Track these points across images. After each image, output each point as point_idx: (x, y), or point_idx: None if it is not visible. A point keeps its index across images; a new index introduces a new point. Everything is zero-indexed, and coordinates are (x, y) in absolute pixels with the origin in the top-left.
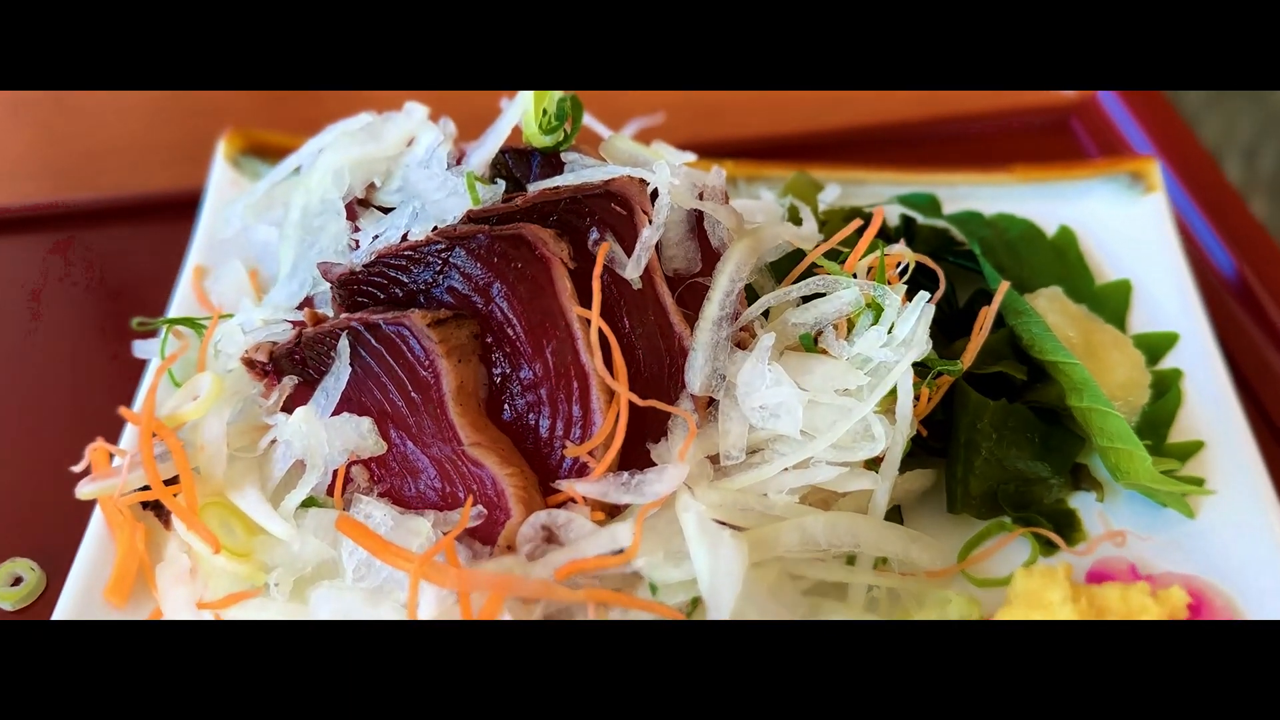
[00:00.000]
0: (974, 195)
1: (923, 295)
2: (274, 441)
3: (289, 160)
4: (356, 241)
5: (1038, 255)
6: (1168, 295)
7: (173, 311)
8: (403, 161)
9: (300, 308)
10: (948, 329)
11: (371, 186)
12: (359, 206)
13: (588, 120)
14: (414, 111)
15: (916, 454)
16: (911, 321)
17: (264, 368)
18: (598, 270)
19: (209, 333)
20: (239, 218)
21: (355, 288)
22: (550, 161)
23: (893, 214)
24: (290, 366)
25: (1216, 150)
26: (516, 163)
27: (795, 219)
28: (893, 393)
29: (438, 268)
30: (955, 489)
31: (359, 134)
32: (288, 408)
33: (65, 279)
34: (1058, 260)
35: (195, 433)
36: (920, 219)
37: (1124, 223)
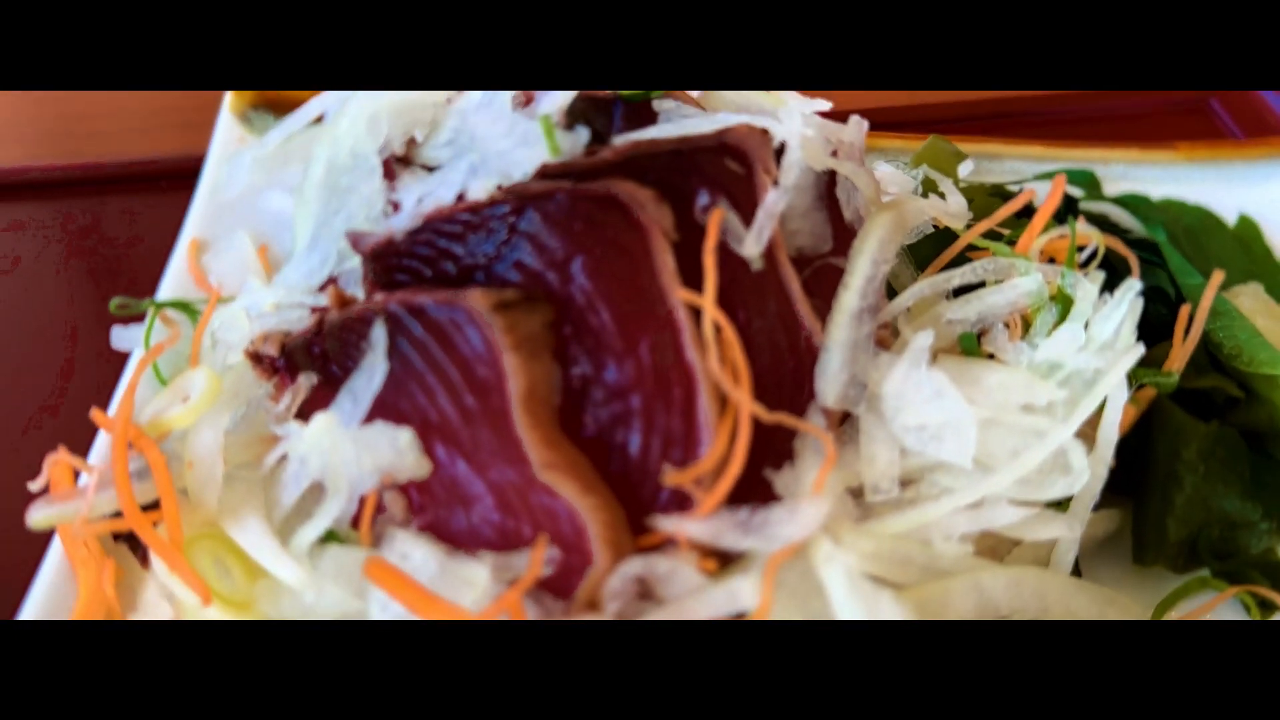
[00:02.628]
0: (1131, 176)
1: (1131, 283)
2: (284, 458)
3: (310, 105)
4: (395, 205)
5: (1222, 248)
6: None
7: (163, 292)
8: (453, 110)
9: (322, 289)
10: None
11: (413, 142)
12: (398, 165)
13: None
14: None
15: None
16: (1117, 318)
17: (274, 363)
18: (710, 243)
19: (204, 319)
20: (245, 174)
21: (394, 262)
22: (639, 114)
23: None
24: (308, 362)
25: None
26: (595, 113)
27: (934, 193)
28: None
29: (503, 236)
30: (1147, 534)
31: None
32: (303, 415)
33: (51, 255)
34: (1243, 254)
35: (184, 444)
36: (1077, 199)
37: None
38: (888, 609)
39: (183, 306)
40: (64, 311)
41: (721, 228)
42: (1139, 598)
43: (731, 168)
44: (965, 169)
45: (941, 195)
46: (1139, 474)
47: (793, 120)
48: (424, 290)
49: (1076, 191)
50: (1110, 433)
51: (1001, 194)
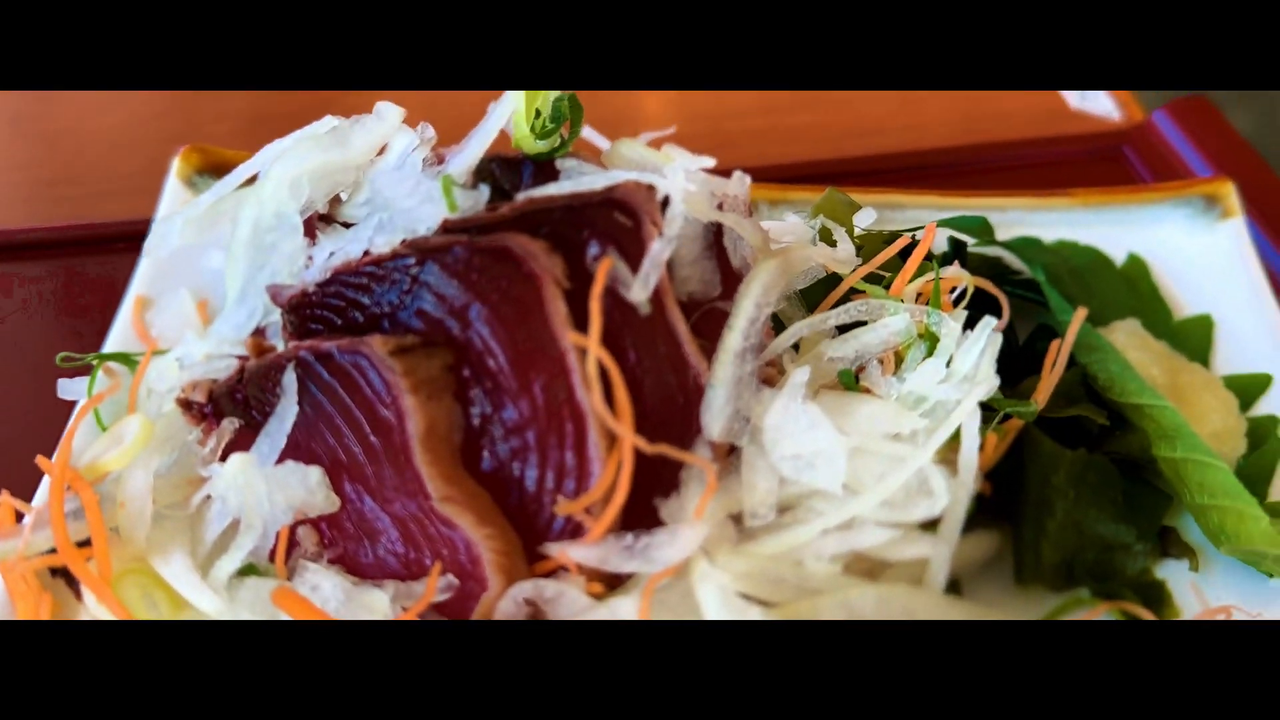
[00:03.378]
0: (1027, 221)
1: (988, 321)
2: (209, 497)
3: (240, 169)
4: (312, 259)
5: (1108, 286)
6: (1255, 332)
7: (109, 346)
8: (372, 169)
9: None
10: (1008, 370)
11: (336, 200)
12: (321, 223)
13: (590, 134)
14: (386, 114)
15: (977, 515)
16: (975, 353)
17: (201, 409)
18: (597, 289)
19: (141, 369)
20: (177, 234)
21: (308, 313)
22: (544, 171)
23: (938, 242)
24: (232, 408)
25: None
26: (505, 172)
27: (828, 242)
28: (953, 440)
29: (405, 286)
30: (1025, 556)
31: (322, 139)
32: (228, 457)
33: (11, 314)
34: (1130, 292)
35: (118, 486)
36: (971, 244)
37: (1200, 251)
38: None
39: (123, 358)
40: (19, 365)
41: (610, 276)
42: (1018, 615)
43: (620, 220)
44: (868, 218)
45: (833, 244)
46: (1014, 500)
47: (677, 177)
48: (332, 338)
49: (970, 238)
50: (969, 458)
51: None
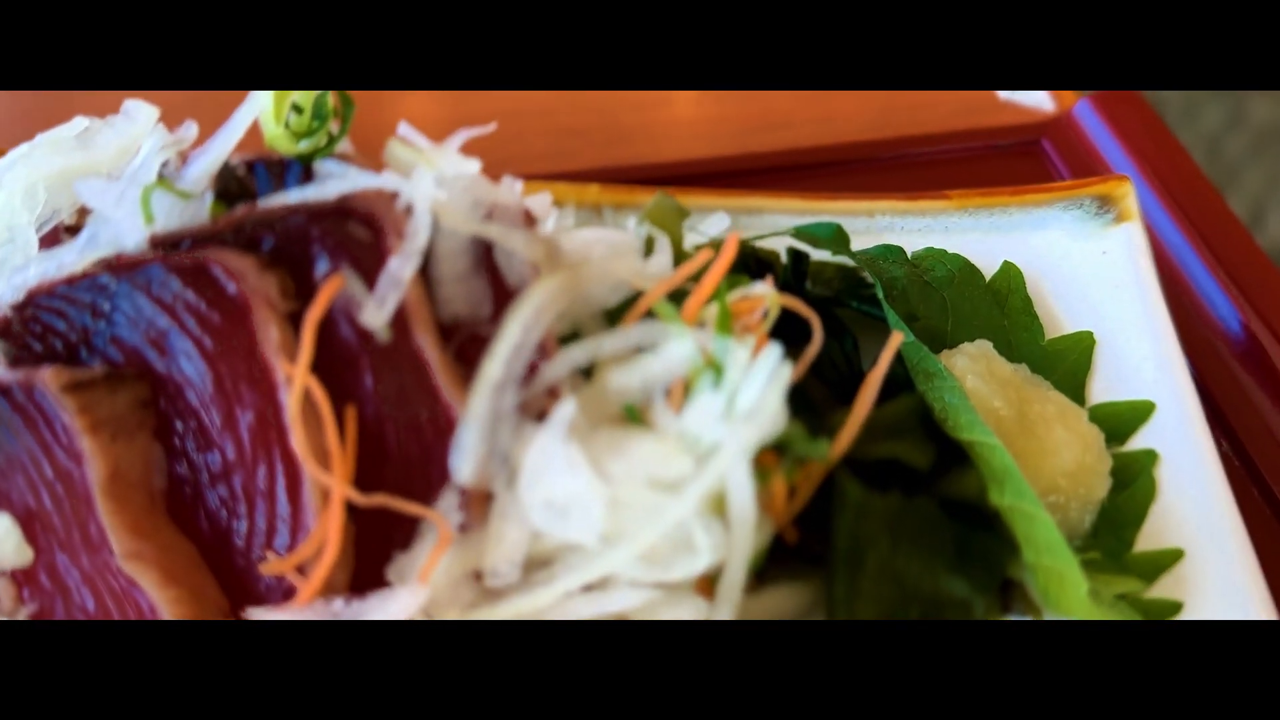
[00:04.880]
0: (897, 227)
1: (772, 348)
2: None
3: None
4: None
5: (967, 301)
6: (1141, 352)
7: None
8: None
9: None
10: (848, 397)
11: (86, 211)
12: (66, 234)
13: (407, 131)
14: (137, 113)
15: (789, 563)
16: (757, 385)
17: None
18: (315, 312)
19: None
20: None
21: (16, 340)
22: (310, 175)
23: (781, 249)
24: None
25: (1258, 203)
26: (270, 176)
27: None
28: None
29: (101, 309)
30: (837, 613)
31: (66, 142)
32: None
33: None
34: (995, 307)
35: None
36: (821, 256)
37: (1088, 260)
38: None
39: None
40: None
41: (342, 297)
42: None
43: (356, 232)
44: (718, 224)
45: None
46: (825, 552)
47: (423, 182)
48: (18, 369)
49: (812, 250)
50: (743, 508)
51: (743, 252)
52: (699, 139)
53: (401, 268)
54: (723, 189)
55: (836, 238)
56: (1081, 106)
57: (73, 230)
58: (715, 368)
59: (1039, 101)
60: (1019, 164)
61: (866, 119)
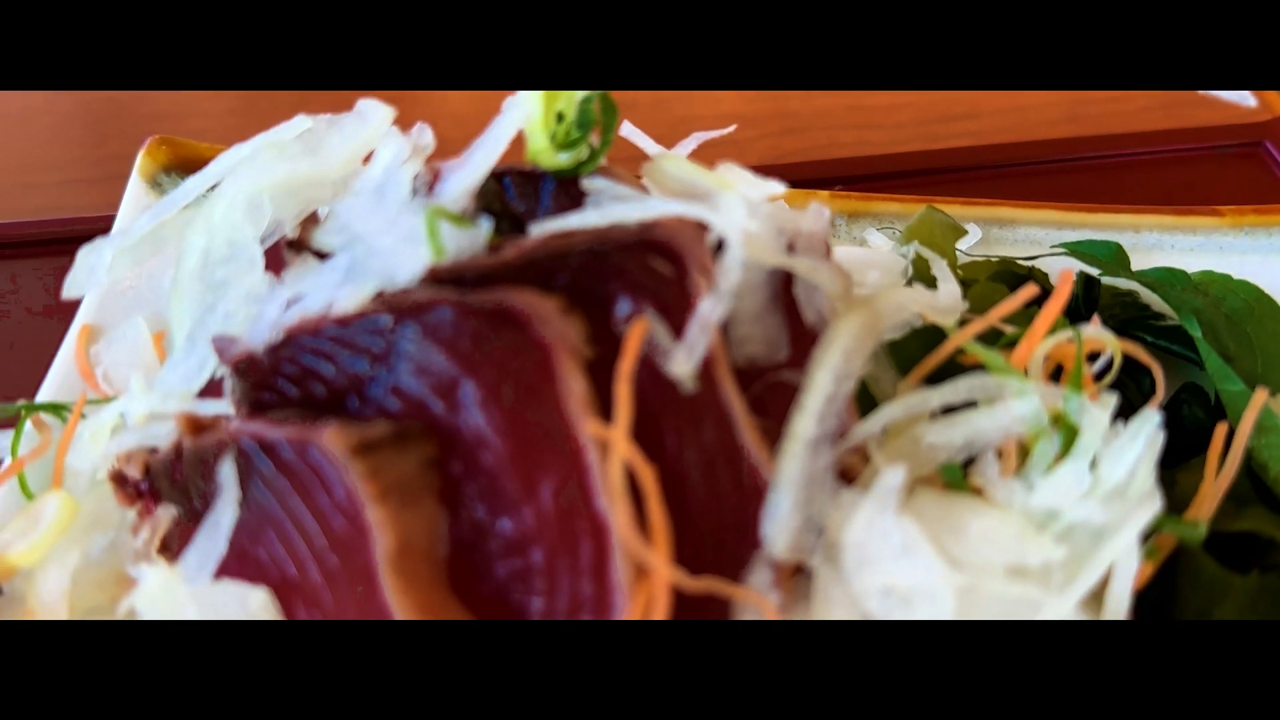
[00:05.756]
0: (1165, 246)
1: (1150, 416)
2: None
3: (190, 182)
4: (263, 312)
5: (1273, 340)
6: None
7: (47, 387)
8: (350, 187)
9: (206, 394)
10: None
11: (312, 220)
12: (290, 250)
13: (629, 133)
14: (370, 113)
15: None
16: (1131, 457)
17: (137, 487)
18: (626, 366)
19: (69, 428)
20: (104, 270)
21: (259, 379)
22: (569, 191)
23: (1052, 269)
24: (170, 491)
25: None
26: (521, 191)
27: (925, 277)
28: None
29: (378, 354)
30: None
31: (290, 146)
32: (172, 547)
33: None
34: None
35: (28, 585)
36: (1100, 278)
37: None
38: None
39: (54, 410)
40: None
41: (645, 342)
42: None
43: (659, 268)
44: (970, 239)
45: (931, 282)
46: None
47: (735, 211)
48: (283, 418)
49: (1096, 270)
50: (1119, 606)
51: (1009, 274)
52: (879, 128)
53: (713, 311)
54: (906, 189)
55: (1116, 258)
56: None
57: (297, 246)
58: (1068, 429)
59: (1241, 98)
60: (1239, 169)
61: (1059, 110)
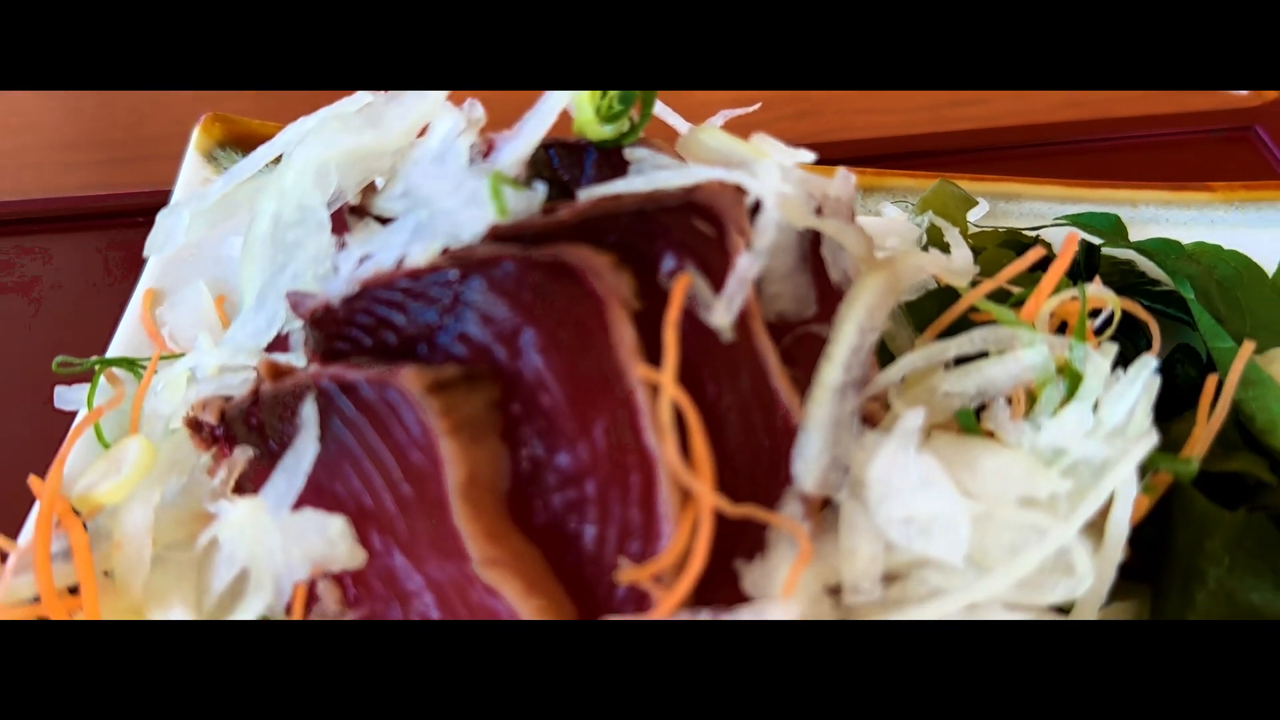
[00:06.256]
0: (1161, 219)
1: (1147, 361)
2: (216, 540)
3: (259, 151)
4: (338, 265)
5: (1261, 302)
6: None
7: (115, 347)
8: (410, 157)
9: (272, 349)
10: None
11: (371, 188)
12: (352, 216)
13: (660, 111)
14: (424, 91)
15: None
16: (1130, 400)
17: (212, 432)
18: (673, 315)
19: (146, 380)
20: (183, 230)
21: (334, 329)
22: (610, 160)
23: (1055, 239)
24: (246, 434)
25: None
26: (565, 161)
27: (939, 244)
28: None
29: (446, 305)
30: None
31: (353, 119)
32: (241, 489)
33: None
34: None
35: (114, 521)
36: (1100, 247)
37: None
38: None
39: (127, 364)
40: (18, 364)
41: (688, 295)
42: None
43: (701, 229)
44: (979, 211)
45: (945, 248)
46: (1157, 565)
47: (770, 176)
48: (359, 364)
49: (1097, 240)
50: (1119, 531)
51: (1015, 242)
52: (891, 112)
53: (750, 267)
54: (918, 169)
55: (1115, 228)
56: None
57: (358, 212)
58: (1073, 376)
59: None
60: (1231, 152)
61: (1062, 95)
